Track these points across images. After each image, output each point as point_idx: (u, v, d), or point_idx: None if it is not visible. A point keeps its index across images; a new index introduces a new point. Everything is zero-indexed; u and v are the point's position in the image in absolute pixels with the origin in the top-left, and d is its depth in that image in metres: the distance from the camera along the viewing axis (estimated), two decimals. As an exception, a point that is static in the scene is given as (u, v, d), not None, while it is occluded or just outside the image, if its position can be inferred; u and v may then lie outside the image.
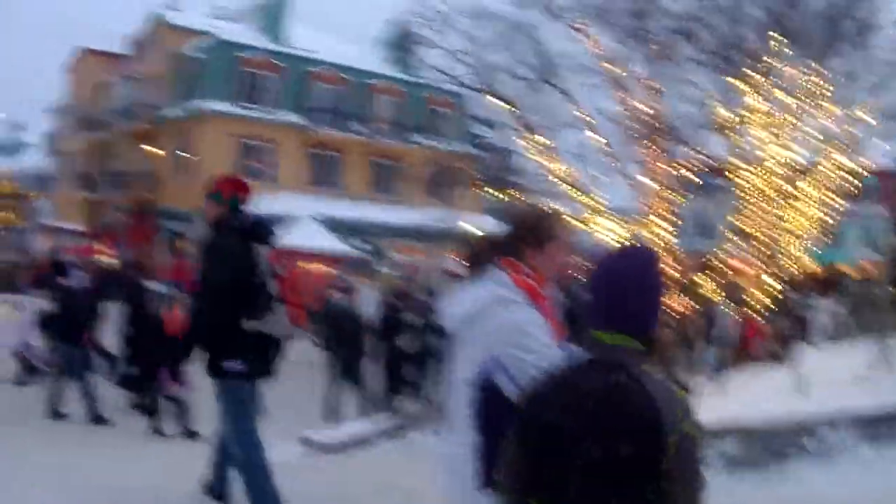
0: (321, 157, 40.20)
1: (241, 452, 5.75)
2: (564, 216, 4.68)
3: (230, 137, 38.83)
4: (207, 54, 39.93)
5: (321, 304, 17.14)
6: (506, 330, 3.31)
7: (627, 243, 4.34)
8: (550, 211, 4.03)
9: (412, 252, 38.34)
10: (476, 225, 17.36)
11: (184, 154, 40.90)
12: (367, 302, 17.39)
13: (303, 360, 14.72)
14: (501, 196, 19.57)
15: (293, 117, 39.84)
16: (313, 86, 40.82)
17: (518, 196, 18.76)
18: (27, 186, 63.27)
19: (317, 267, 28.74)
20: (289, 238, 29.55)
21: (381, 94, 41.92)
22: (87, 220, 51.35)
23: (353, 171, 40.79)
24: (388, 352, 14.77)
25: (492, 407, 3.24)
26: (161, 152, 43.33)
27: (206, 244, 6.43)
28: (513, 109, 19.31)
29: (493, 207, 20.14)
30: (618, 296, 2.52)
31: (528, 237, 3.55)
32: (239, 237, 5.92)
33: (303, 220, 32.10)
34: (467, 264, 3.84)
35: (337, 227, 34.09)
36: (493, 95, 19.58)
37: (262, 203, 26.82)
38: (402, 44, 29.11)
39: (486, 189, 20.54)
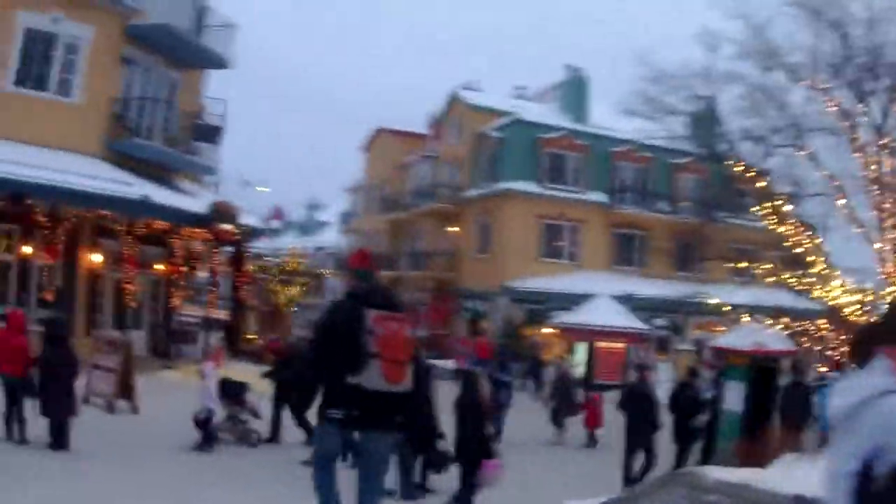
0: (624, 236, 39.07)
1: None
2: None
3: (532, 217, 38.40)
4: (509, 134, 39.82)
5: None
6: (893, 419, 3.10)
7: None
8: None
9: (713, 329, 36.38)
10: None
11: (485, 234, 40.81)
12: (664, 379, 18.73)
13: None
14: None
15: (596, 196, 38.96)
16: (616, 165, 39.85)
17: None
18: (323, 265, 65.96)
19: (614, 345, 27.91)
20: (587, 316, 28.58)
21: (684, 173, 40.15)
22: (386, 298, 52.32)
23: (655, 250, 39.39)
24: (680, 428, 15.09)
25: (873, 499, 3.09)
26: (460, 231, 43.58)
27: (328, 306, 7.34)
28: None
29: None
30: None
31: None
32: (353, 301, 6.42)
33: (601, 298, 31.18)
34: (852, 353, 4.03)
35: (637, 305, 32.85)
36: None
37: (562, 282, 26.09)
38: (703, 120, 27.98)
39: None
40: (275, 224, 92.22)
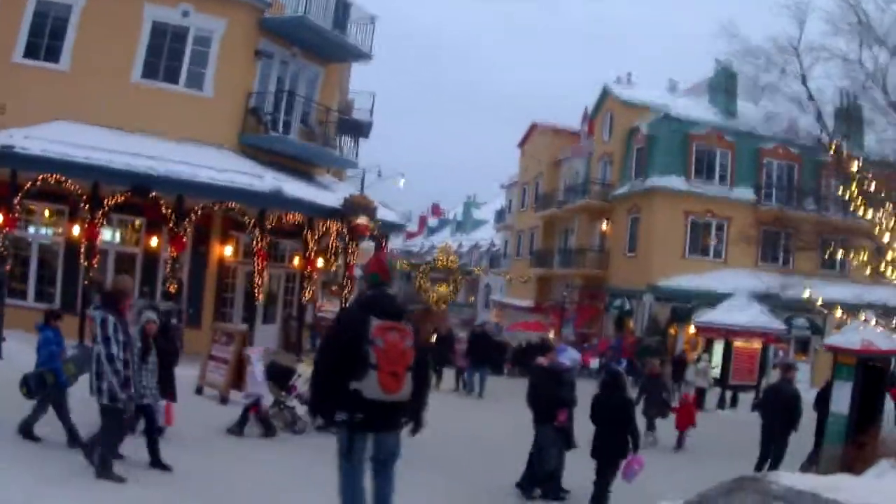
0: (770, 234, 37.55)
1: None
2: None
3: (680, 214, 37.35)
4: (657, 130, 38.87)
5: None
6: None
7: None
8: None
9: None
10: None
11: (634, 231, 40.05)
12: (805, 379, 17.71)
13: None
14: None
15: (744, 194, 37.54)
16: (764, 162, 38.31)
17: None
18: (479, 262, 66.10)
19: (751, 345, 26.87)
20: (725, 315, 27.64)
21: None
22: (537, 296, 52.09)
23: (802, 248, 37.71)
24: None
25: None
26: (611, 229, 42.94)
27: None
28: None
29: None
30: None
31: None
32: (359, 309, 6.75)
33: (743, 297, 30.07)
34: None
35: (779, 303, 31.45)
36: None
37: (707, 279, 24.98)
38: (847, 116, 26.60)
39: None
40: (433, 221, 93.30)
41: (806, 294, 17.65)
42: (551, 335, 43.67)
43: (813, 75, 19.96)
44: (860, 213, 16.70)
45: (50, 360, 10.69)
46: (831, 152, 17.90)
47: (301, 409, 13.87)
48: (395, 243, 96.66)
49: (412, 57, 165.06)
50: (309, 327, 29.99)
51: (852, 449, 11.73)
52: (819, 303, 17.45)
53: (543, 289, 51.79)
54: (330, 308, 32.62)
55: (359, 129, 37.37)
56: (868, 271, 17.43)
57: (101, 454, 9.31)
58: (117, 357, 8.93)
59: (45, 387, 10.49)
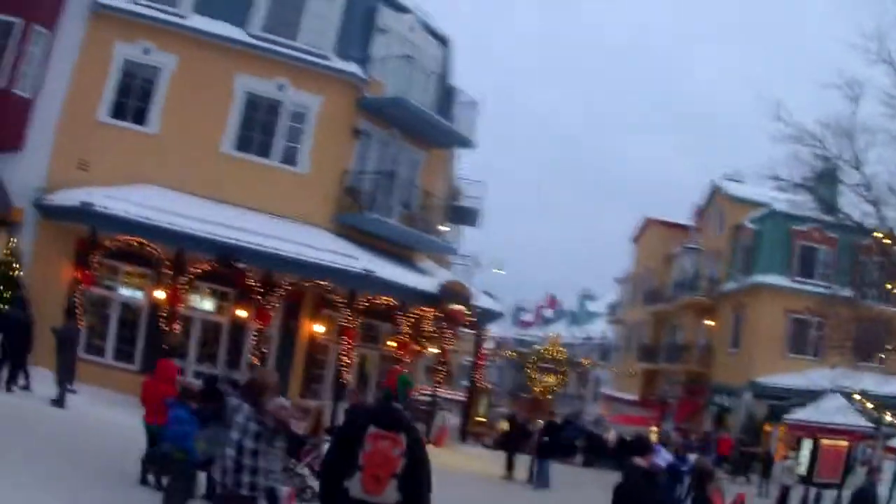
0: (868, 331, 36.70)
1: None
2: None
3: (782, 311, 37.00)
4: (763, 226, 38.86)
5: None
6: None
7: None
8: None
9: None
10: None
11: (737, 328, 39.82)
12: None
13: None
14: None
15: (842, 290, 36.94)
16: (860, 258, 37.65)
17: None
18: (590, 355, 65.90)
19: (837, 443, 26.21)
20: (813, 413, 27.24)
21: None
22: (643, 390, 51.78)
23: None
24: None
25: None
26: (715, 325, 42.76)
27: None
28: None
29: None
30: None
31: None
32: (362, 417, 7.17)
33: (831, 395, 29.46)
34: None
35: (873, 401, 30.60)
36: None
37: (805, 378, 23.87)
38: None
39: None
40: (548, 312, 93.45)
41: None
42: (654, 430, 43.43)
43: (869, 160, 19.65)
44: None
45: (183, 438, 11.04)
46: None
47: (311, 479, 13.76)
48: (509, 332, 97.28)
49: (531, 146, 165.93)
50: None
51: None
52: None
53: (649, 383, 51.45)
54: (425, 392, 32.76)
55: (467, 216, 38.29)
56: None
57: None
58: (236, 443, 9.33)
59: (173, 464, 10.92)
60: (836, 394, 28.39)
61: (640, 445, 12.06)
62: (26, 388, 18.35)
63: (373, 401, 7.10)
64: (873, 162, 19.44)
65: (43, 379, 18.85)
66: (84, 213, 21.03)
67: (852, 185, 20.06)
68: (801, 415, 28.44)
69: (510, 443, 25.18)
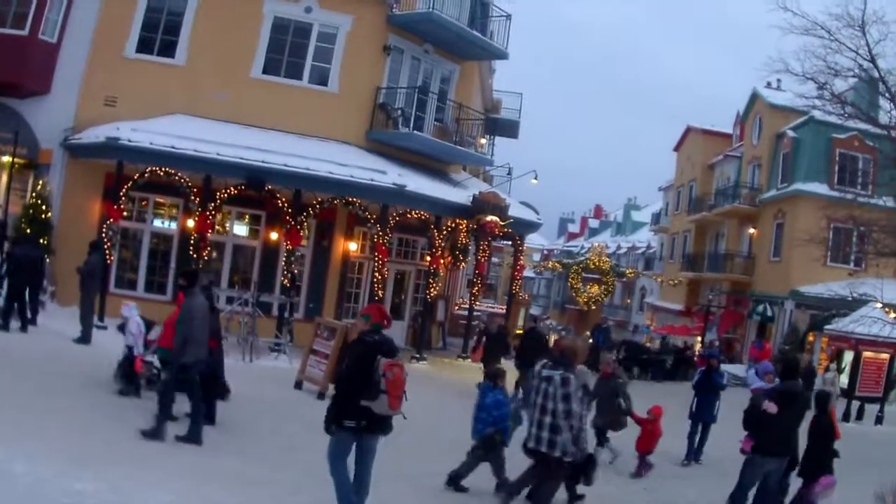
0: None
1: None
2: None
3: (822, 221, 36.60)
4: (803, 134, 38.31)
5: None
6: None
7: None
8: None
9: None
10: None
11: (779, 237, 39.56)
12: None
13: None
14: None
15: (885, 200, 36.42)
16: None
17: None
18: (635, 264, 65.91)
19: (879, 355, 26.03)
20: (855, 324, 27.06)
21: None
22: (687, 300, 51.81)
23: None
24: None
25: None
26: (757, 234, 42.51)
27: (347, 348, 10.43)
28: None
29: None
30: None
31: None
32: (367, 348, 8.55)
33: (874, 306, 29.16)
34: None
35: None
36: None
37: (847, 287, 23.24)
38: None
39: None
40: (594, 222, 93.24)
41: None
42: (698, 340, 43.58)
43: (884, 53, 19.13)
44: None
45: (502, 420, 11.37)
46: None
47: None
48: (556, 243, 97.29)
49: (574, 58, 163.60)
50: (438, 324, 30.36)
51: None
52: None
53: (693, 292, 51.41)
54: (464, 307, 32.54)
55: (506, 129, 38.16)
56: None
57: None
58: (576, 414, 9.52)
59: (494, 447, 11.30)
60: (877, 305, 28.08)
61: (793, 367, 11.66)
62: (23, 328, 17.94)
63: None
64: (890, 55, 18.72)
65: (71, 317, 19.13)
66: (110, 147, 21.19)
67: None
68: (841, 326, 28.19)
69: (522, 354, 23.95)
